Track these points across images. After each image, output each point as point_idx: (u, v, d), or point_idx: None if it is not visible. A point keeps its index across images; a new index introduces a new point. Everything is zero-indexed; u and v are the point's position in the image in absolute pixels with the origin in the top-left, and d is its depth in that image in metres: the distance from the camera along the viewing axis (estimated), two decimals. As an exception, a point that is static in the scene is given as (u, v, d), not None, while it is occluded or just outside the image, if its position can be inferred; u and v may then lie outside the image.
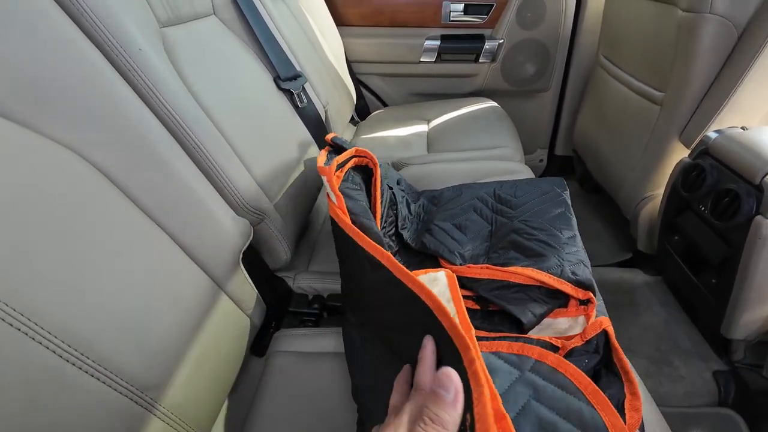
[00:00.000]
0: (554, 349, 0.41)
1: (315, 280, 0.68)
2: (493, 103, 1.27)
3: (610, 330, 0.42)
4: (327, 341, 0.56)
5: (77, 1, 0.38)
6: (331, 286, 0.67)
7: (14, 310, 0.27)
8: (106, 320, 0.33)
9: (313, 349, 0.56)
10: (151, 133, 0.42)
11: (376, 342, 0.45)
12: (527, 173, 0.91)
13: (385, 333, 0.43)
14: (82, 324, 0.31)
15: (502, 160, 0.96)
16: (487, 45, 1.31)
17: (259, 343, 0.57)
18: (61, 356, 0.30)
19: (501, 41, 1.30)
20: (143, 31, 0.45)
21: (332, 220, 0.49)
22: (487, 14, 1.29)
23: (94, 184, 0.37)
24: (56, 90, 0.35)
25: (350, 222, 0.46)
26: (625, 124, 1.06)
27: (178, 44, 0.54)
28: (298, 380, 0.52)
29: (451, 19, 1.30)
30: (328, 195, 0.51)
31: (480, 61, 1.34)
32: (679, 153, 0.89)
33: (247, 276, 0.52)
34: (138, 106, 0.42)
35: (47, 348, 0.29)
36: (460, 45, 1.33)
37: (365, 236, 0.42)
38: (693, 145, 0.84)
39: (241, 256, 0.51)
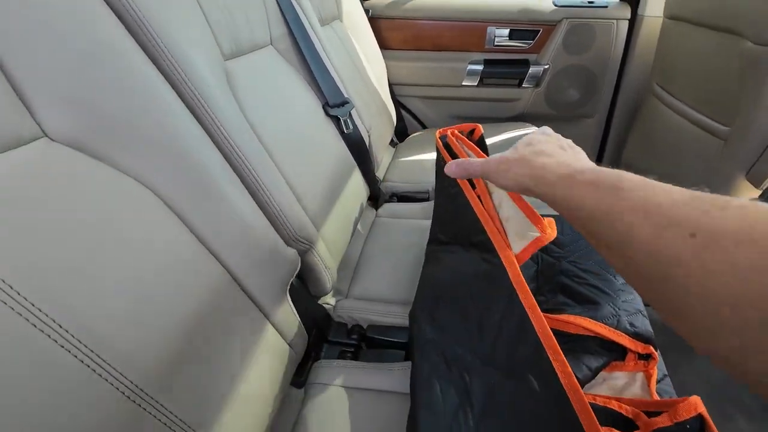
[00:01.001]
0: (627, 423, 0.37)
1: (355, 309, 0.67)
2: (535, 129, 1.24)
3: (707, 415, 0.36)
4: (367, 377, 0.55)
5: (153, 39, 0.40)
6: (371, 316, 0.66)
7: (73, 336, 0.28)
8: (160, 355, 0.34)
9: (353, 384, 0.55)
10: (212, 167, 0.43)
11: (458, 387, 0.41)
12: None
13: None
14: (141, 355, 0.32)
15: (547, 191, 0.93)
16: (532, 70, 1.29)
17: (299, 373, 0.57)
18: (118, 389, 0.30)
19: (546, 66, 1.28)
20: (210, 66, 0.47)
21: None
22: (532, 39, 1.28)
23: (159, 214, 0.38)
24: (127, 123, 0.37)
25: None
26: (680, 157, 1.01)
27: (238, 76, 0.56)
28: (339, 417, 0.51)
29: (496, 44, 1.29)
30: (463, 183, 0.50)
31: (523, 86, 1.32)
32: (746, 192, 0.83)
33: (293, 306, 0.52)
34: (201, 140, 0.43)
35: (119, 390, 0.29)
36: (504, 70, 1.32)
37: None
38: (764, 185, 0.78)
39: (288, 286, 0.51)
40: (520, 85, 1.32)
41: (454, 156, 0.52)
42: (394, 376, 0.55)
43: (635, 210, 0.23)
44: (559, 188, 0.30)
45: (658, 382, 0.45)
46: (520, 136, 1.25)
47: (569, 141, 0.37)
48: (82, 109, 0.35)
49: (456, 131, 0.56)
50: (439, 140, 0.56)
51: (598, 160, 1.45)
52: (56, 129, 0.33)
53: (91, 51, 0.35)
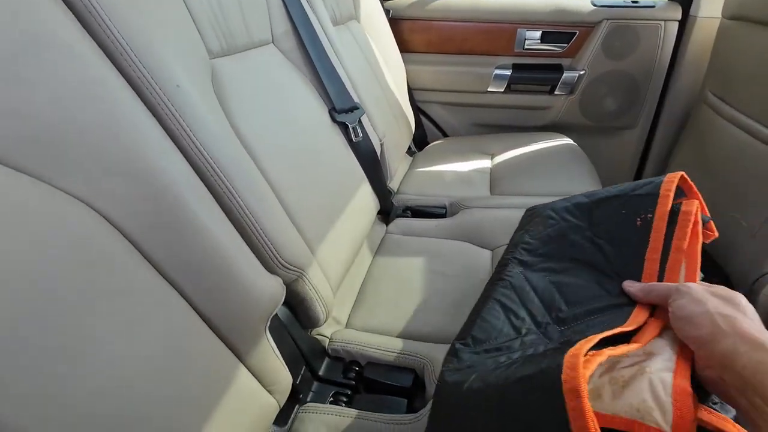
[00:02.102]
0: None
1: (353, 341, 0.59)
2: (569, 140, 1.13)
3: None
4: (357, 430, 0.47)
5: (109, 29, 0.34)
6: (370, 352, 0.57)
7: None
8: (85, 419, 0.27)
9: (343, 439, 0.47)
10: (179, 183, 0.36)
11: None
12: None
13: None
14: (73, 407, 0.25)
15: (580, 212, 0.82)
16: (566, 76, 1.17)
17: (279, 420, 0.49)
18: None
19: (582, 72, 1.17)
20: (186, 65, 0.41)
21: None
22: (567, 43, 1.17)
23: (106, 243, 0.31)
24: (73, 135, 0.30)
25: None
26: (737, 175, 0.87)
27: (227, 76, 0.50)
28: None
29: (526, 47, 1.19)
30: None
31: (555, 93, 1.21)
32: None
33: (273, 345, 0.45)
34: (167, 151, 0.36)
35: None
36: (534, 75, 1.21)
37: None
38: None
39: (267, 323, 0.43)
40: (551, 92, 1.21)
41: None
42: (394, 434, 0.46)
43: None
44: (737, 366, 0.26)
45: None
46: (550, 149, 1.12)
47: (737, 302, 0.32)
48: (15, 122, 0.28)
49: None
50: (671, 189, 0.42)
51: (638, 176, 1.31)
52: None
53: (22, 40, 0.29)
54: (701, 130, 1.02)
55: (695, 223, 0.39)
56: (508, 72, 1.21)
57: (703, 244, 0.41)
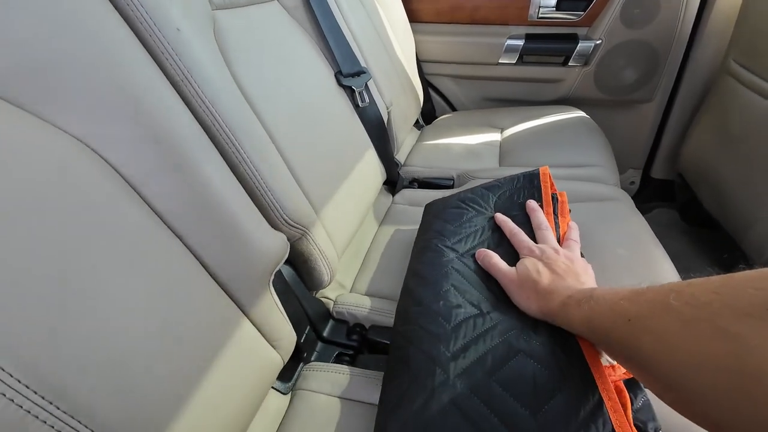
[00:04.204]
0: None
1: (357, 305, 0.59)
2: (582, 113, 1.10)
3: None
4: (366, 388, 0.47)
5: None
6: (374, 316, 0.57)
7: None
8: (89, 357, 0.27)
9: (349, 395, 0.47)
10: (181, 130, 0.35)
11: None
12: (625, 200, 0.74)
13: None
14: (57, 363, 0.25)
15: (592, 182, 0.80)
16: (581, 46, 1.13)
17: (284, 376, 0.49)
18: (22, 406, 0.23)
19: (598, 42, 1.12)
20: (187, 10, 0.39)
21: None
22: (584, 10, 1.12)
23: (105, 185, 0.31)
24: (70, 71, 0.30)
25: None
26: (763, 146, 0.84)
27: (231, 30, 0.48)
28: (324, 431, 0.44)
29: (540, 15, 1.15)
30: None
31: (569, 64, 1.16)
32: None
33: (277, 301, 0.45)
34: (168, 97, 0.35)
35: (4, 395, 0.22)
36: (548, 45, 1.17)
37: None
38: None
39: (272, 277, 0.43)
40: (565, 63, 1.17)
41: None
42: (395, 391, 0.46)
43: (603, 313, 0.30)
44: (559, 317, 0.36)
45: (634, 412, 0.34)
46: (563, 121, 1.09)
47: (566, 256, 0.44)
48: (9, 52, 0.28)
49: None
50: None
51: (653, 151, 1.27)
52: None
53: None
54: (723, 102, 0.98)
55: (569, 210, 0.56)
56: (521, 42, 1.17)
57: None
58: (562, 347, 0.36)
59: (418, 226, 0.76)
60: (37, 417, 0.23)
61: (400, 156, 1.02)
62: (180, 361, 0.33)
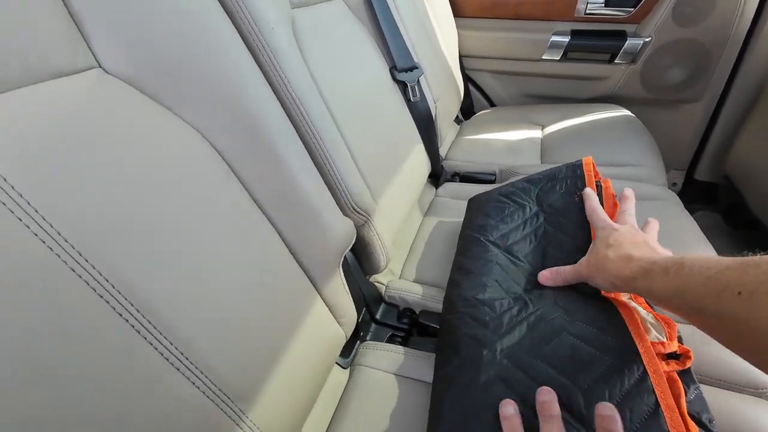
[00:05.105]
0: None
1: (408, 291, 0.62)
2: (627, 112, 1.08)
3: None
4: (416, 366, 0.50)
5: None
6: (424, 301, 0.60)
7: (126, 299, 0.26)
8: (209, 317, 0.31)
9: (401, 371, 0.50)
10: (272, 121, 0.39)
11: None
12: (673, 200, 0.74)
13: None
14: (186, 321, 0.29)
15: (639, 182, 0.80)
16: (629, 43, 1.11)
17: (344, 353, 0.53)
18: (162, 354, 0.27)
19: (648, 39, 1.10)
20: (279, 10, 0.43)
21: None
22: (634, 7, 1.10)
23: (220, 171, 0.35)
24: (191, 72, 0.34)
25: None
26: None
27: (304, 27, 0.52)
28: (383, 404, 0.47)
29: (588, 12, 1.13)
30: None
31: (616, 62, 1.15)
32: None
33: (344, 281, 0.48)
34: (263, 90, 0.39)
35: (152, 345, 0.27)
36: (594, 42, 1.15)
37: None
38: None
39: (341, 259, 0.47)
40: (611, 60, 1.15)
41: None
42: (448, 371, 0.49)
43: (701, 283, 0.29)
44: (639, 284, 0.35)
45: (688, 403, 0.35)
46: (607, 119, 1.09)
47: (642, 234, 0.43)
48: (140, 47, 0.32)
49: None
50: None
51: (698, 154, 1.24)
52: (112, 61, 0.30)
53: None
54: (778, 104, 0.95)
55: (613, 195, 0.53)
56: (566, 39, 1.16)
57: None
58: (609, 330, 0.38)
59: (460, 219, 0.78)
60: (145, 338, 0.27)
61: (441, 150, 1.04)
62: (265, 330, 0.36)
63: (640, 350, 0.35)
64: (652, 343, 0.36)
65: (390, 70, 0.71)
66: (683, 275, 0.30)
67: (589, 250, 0.44)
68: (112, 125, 0.28)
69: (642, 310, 0.40)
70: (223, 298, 0.32)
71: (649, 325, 0.38)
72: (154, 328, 0.27)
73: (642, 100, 1.19)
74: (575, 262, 0.45)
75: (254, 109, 0.38)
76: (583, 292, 0.44)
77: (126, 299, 0.26)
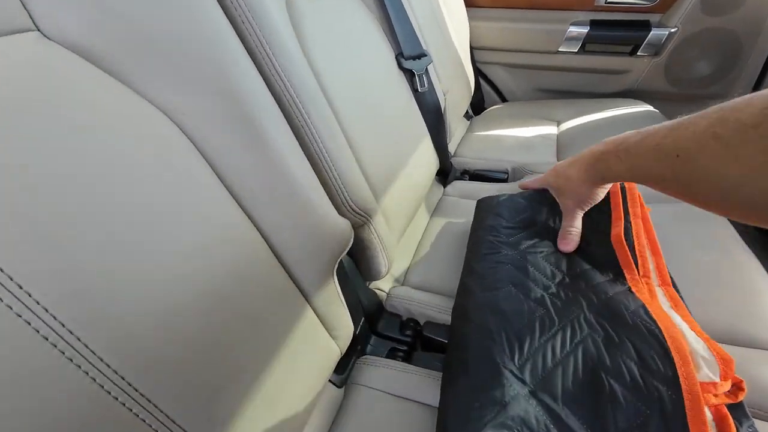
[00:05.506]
0: None
1: (411, 299, 0.56)
2: (650, 107, 1.01)
3: None
4: (418, 387, 0.45)
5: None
6: (429, 311, 0.54)
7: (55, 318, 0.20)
8: (174, 336, 0.25)
9: (402, 392, 0.45)
10: (260, 108, 0.33)
11: None
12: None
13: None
14: (136, 339, 0.24)
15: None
16: (653, 34, 1.04)
17: (340, 369, 0.47)
18: (98, 382, 0.22)
19: (674, 30, 1.02)
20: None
21: None
22: (659, -5, 1.03)
23: (187, 159, 0.30)
24: (166, 45, 0.28)
25: None
26: None
27: (302, 8, 0.46)
28: (380, 430, 0.42)
29: (609, 0, 1.06)
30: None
31: (638, 54, 1.08)
32: None
33: (339, 290, 0.43)
34: (251, 73, 0.34)
35: (87, 374, 0.21)
36: (615, 33, 1.08)
37: None
38: None
39: (336, 265, 0.41)
40: (633, 53, 1.08)
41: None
42: (455, 393, 0.43)
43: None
44: (606, 174, 0.41)
45: None
46: (628, 115, 1.01)
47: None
48: (97, 10, 0.26)
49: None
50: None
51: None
52: (53, 25, 0.25)
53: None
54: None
55: (639, 196, 0.49)
56: (585, 29, 1.09)
57: None
58: (651, 367, 0.32)
59: (470, 220, 0.72)
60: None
61: (451, 146, 0.98)
62: (241, 343, 0.31)
63: (685, 400, 0.29)
64: (702, 384, 0.30)
65: (396, 57, 0.65)
66: (632, 155, 0.35)
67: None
68: (54, 96, 0.23)
69: (693, 338, 0.33)
70: (194, 313, 0.27)
71: (701, 360, 0.31)
72: (93, 354, 0.21)
73: (666, 95, 1.11)
74: (594, 262, 0.45)
75: (240, 95, 0.32)
76: (616, 298, 0.39)
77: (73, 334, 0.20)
